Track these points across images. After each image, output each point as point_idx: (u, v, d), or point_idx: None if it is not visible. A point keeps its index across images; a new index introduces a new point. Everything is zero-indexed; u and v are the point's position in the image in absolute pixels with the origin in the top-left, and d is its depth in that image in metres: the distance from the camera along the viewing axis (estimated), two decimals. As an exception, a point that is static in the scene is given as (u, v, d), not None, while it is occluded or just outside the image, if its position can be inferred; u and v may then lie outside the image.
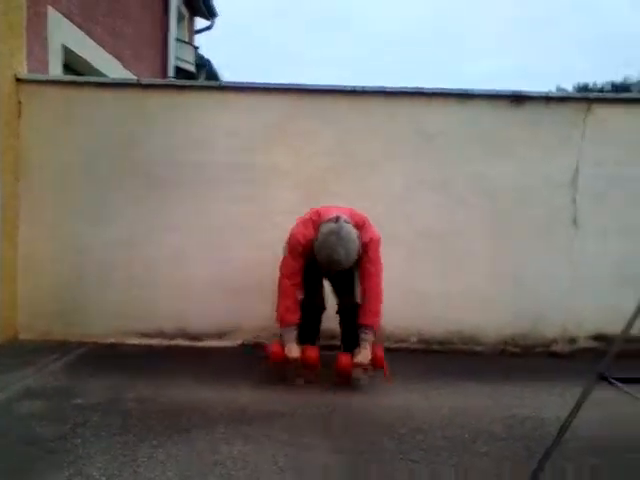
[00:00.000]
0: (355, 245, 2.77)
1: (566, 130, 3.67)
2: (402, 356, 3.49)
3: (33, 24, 3.86)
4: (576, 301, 3.66)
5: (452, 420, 2.53)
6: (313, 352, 2.94)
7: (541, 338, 3.69)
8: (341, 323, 3.17)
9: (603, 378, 1.82)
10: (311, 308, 3.08)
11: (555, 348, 3.68)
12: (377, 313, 2.92)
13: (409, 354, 3.58)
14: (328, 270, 2.91)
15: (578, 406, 1.87)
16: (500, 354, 3.66)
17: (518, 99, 3.64)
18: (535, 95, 3.67)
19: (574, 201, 3.69)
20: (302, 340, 3.04)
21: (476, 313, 3.67)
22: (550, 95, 3.73)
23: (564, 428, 1.89)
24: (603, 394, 1.85)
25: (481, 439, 2.33)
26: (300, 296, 2.97)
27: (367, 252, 2.87)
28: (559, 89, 18.30)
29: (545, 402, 2.78)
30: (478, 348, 3.67)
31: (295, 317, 2.93)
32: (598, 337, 3.67)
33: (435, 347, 3.67)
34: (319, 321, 3.19)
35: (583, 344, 3.69)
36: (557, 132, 3.67)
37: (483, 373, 3.24)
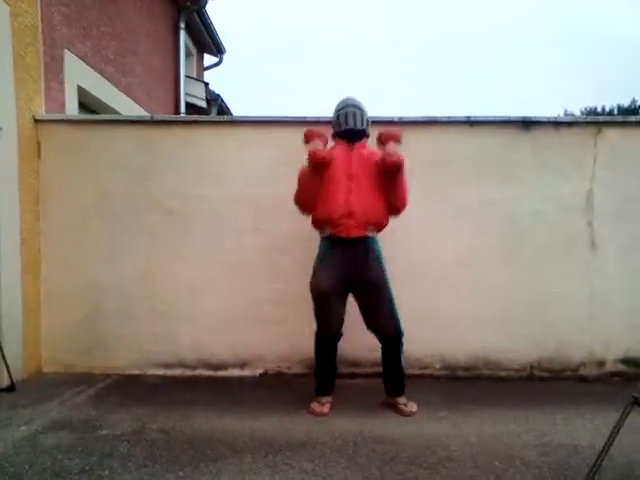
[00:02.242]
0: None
1: (577, 154, 3.69)
2: (427, 383, 3.45)
3: (50, 67, 3.98)
4: (600, 323, 3.61)
5: (482, 448, 2.47)
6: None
7: (568, 362, 3.62)
8: (383, 357, 3.03)
9: (639, 403, 1.79)
10: (326, 336, 2.98)
11: (583, 372, 3.61)
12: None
13: (434, 381, 3.53)
14: (346, 127, 2.98)
15: (616, 431, 1.83)
16: (527, 379, 3.59)
17: (527, 125, 3.67)
18: (544, 120, 3.70)
19: (590, 224, 3.67)
20: (318, 373, 3.01)
21: (500, 338, 3.62)
22: (559, 120, 3.77)
23: (602, 454, 1.84)
24: (634, 419, 1.81)
25: (513, 467, 2.28)
26: None
27: None
28: (567, 113, 18.37)
29: (577, 428, 2.71)
30: (503, 373, 3.61)
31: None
32: (627, 360, 3.61)
33: (460, 373, 3.62)
34: (335, 349, 3.02)
35: (611, 368, 3.61)
36: (568, 156, 3.68)
37: (511, 399, 3.18)
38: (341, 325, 2.98)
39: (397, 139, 2.93)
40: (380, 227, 2.98)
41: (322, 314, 2.95)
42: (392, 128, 3.01)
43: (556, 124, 3.72)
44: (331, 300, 2.91)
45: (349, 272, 2.88)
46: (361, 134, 3.02)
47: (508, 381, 3.55)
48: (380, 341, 2.98)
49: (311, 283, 2.95)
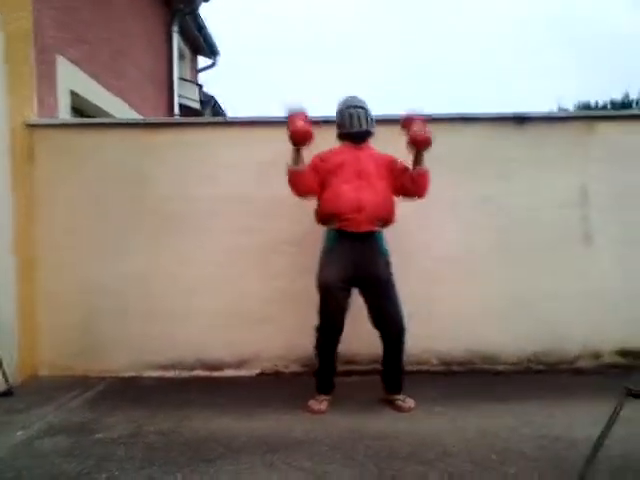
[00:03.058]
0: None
1: (571, 149, 3.70)
2: (423, 379, 3.44)
3: (42, 72, 3.97)
4: (596, 316, 3.61)
5: (479, 442, 2.48)
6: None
7: (564, 355, 3.63)
8: (384, 354, 3.03)
9: (632, 394, 1.79)
10: (329, 330, 2.97)
11: (579, 364, 3.62)
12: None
13: (430, 376, 3.53)
14: (351, 129, 2.98)
15: (610, 424, 1.83)
16: (523, 372, 3.59)
17: (521, 120, 3.68)
18: (538, 116, 3.72)
19: (584, 218, 3.68)
20: (319, 370, 3.02)
21: (495, 332, 3.62)
22: (552, 115, 3.80)
23: (597, 447, 1.85)
24: (632, 411, 1.81)
25: (510, 461, 2.28)
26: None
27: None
28: (561, 109, 18.36)
29: (574, 420, 2.71)
30: (500, 367, 3.62)
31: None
32: (623, 352, 3.61)
33: (456, 368, 3.63)
34: (336, 345, 3.01)
35: (608, 359, 3.62)
36: (562, 151, 3.70)
37: (508, 392, 3.18)
38: (344, 320, 2.97)
39: (430, 144, 2.93)
40: (388, 223, 3.00)
41: (327, 308, 2.93)
42: (422, 128, 2.96)
43: (549, 119, 3.74)
44: (338, 295, 2.91)
45: (356, 267, 2.89)
46: (367, 134, 3.03)
47: (505, 375, 3.55)
48: (383, 337, 2.98)
49: (318, 277, 2.95)
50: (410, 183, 2.98)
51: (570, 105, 20.60)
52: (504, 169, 3.68)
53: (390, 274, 2.94)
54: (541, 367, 3.62)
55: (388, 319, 2.93)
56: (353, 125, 2.99)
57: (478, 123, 3.70)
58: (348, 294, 2.96)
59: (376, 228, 2.92)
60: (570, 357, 3.64)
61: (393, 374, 3.01)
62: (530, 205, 3.67)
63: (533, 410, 2.87)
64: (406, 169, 3.00)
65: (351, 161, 2.94)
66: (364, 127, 2.99)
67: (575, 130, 3.71)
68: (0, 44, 3.38)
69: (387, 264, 2.95)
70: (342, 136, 3.06)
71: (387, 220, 2.99)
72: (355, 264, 2.88)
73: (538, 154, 3.69)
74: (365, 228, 2.88)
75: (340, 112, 3.05)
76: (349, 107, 3.02)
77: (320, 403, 2.94)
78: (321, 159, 3.00)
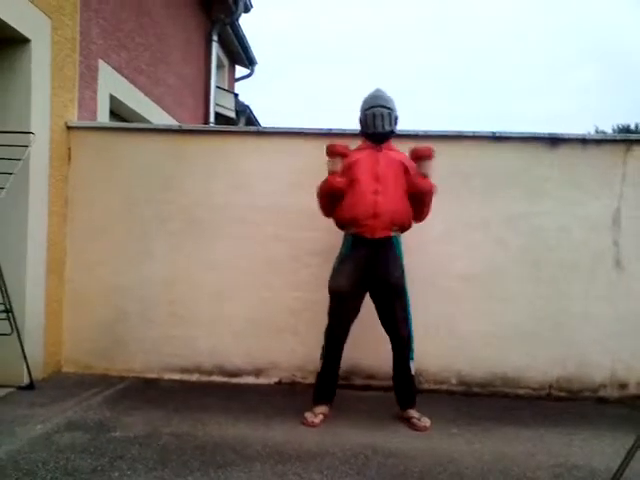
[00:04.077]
0: (394, 102, 3.01)
1: (605, 172, 3.62)
2: (442, 398, 3.41)
3: (85, 77, 4.09)
4: (624, 344, 3.52)
5: (495, 466, 2.43)
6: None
7: (588, 382, 3.53)
8: (393, 362, 3.03)
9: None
10: (335, 333, 2.97)
11: (603, 393, 3.52)
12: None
13: (449, 396, 3.48)
14: (374, 130, 2.96)
15: (630, 457, 1.78)
16: (545, 398, 3.51)
17: (554, 141, 3.63)
18: (572, 137, 3.65)
19: (616, 243, 3.59)
20: (321, 387, 3.01)
21: (518, 355, 3.56)
22: (587, 138, 3.71)
23: (616, 478, 1.80)
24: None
25: (525, 487, 2.24)
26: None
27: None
28: (598, 131, 18.05)
29: (594, 450, 2.64)
30: (521, 391, 3.54)
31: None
32: (650, 383, 3.50)
33: (476, 389, 3.56)
34: (340, 350, 3.00)
35: (634, 390, 3.51)
36: (596, 174, 3.62)
37: (527, 417, 3.12)
38: (349, 325, 2.99)
39: (429, 157, 2.91)
40: (404, 228, 3.00)
41: (336, 313, 2.96)
42: (423, 145, 2.97)
43: (584, 141, 3.67)
44: (348, 301, 2.93)
45: (370, 273, 2.90)
46: (389, 135, 3.01)
47: (525, 399, 3.48)
48: (391, 342, 2.98)
49: (330, 282, 2.97)
50: (411, 188, 2.95)
51: (608, 127, 20.24)
52: (535, 189, 3.62)
53: (403, 281, 2.93)
54: (563, 394, 3.53)
55: (397, 324, 2.93)
56: (376, 126, 2.96)
57: (510, 142, 3.66)
58: (359, 300, 2.98)
59: (392, 233, 2.92)
60: (594, 385, 3.54)
61: (404, 386, 2.98)
62: (560, 226, 3.60)
63: (552, 437, 2.81)
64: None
65: (370, 163, 2.93)
66: (387, 128, 2.96)
67: (611, 153, 3.64)
68: (48, 48, 3.50)
69: (401, 269, 2.94)
70: (364, 134, 3.06)
71: (404, 225, 2.98)
72: (369, 269, 2.90)
73: (571, 175, 3.63)
74: (380, 234, 2.89)
75: (364, 110, 3.02)
76: (373, 106, 2.97)
77: (315, 416, 2.91)
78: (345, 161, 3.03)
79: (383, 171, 2.91)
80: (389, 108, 2.97)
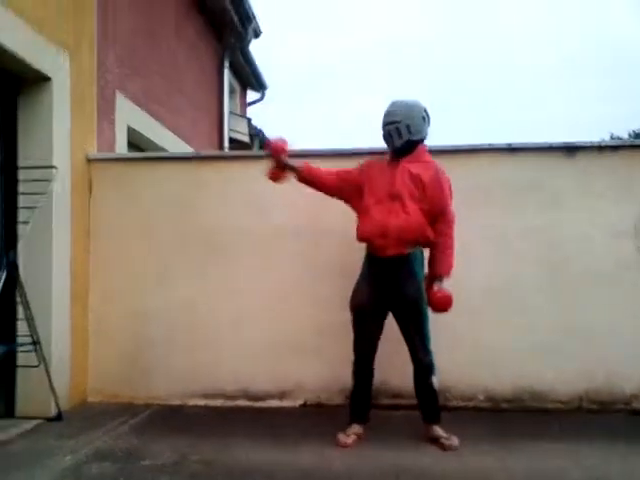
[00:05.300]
0: (419, 110, 2.97)
1: (625, 178, 3.59)
2: (469, 415, 3.35)
3: (102, 108, 4.17)
4: (654, 353, 3.44)
5: (529, 483, 2.38)
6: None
7: (619, 394, 3.45)
8: (414, 378, 2.99)
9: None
10: (359, 352, 2.99)
11: (636, 405, 3.43)
12: (450, 265, 2.93)
13: (476, 413, 3.42)
14: (389, 149, 2.98)
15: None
16: (575, 411, 3.43)
17: (571, 150, 3.60)
18: (588, 145, 3.63)
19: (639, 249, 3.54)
20: (354, 406, 3.01)
21: (545, 368, 3.49)
22: (603, 144, 3.69)
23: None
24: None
25: (562, 504, 2.18)
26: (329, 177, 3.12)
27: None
28: (613, 137, 17.86)
29: (632, 465, 2.57)
30: (550, 405, 3.47)
31: (316, 170, 3.14)
32: (684, 393, 3.41)
33: (504, 405, 3.50)
34: (372, 375, 3.02)
35: (667, 401, 3.43)
36: (615, 181, 3.59)
37: (559, 432, 3.05)
38: (376, 346, 2.98)
39: (447, 274, 2.92)
40: (421, 244, 2.95)
41: (358, 332, 2.98)
42: (442, 263, 2.94)
43: (600, 148, 3.64)
44: (368, 317, 2.94)
45: (385, 290, 2.89)
46: (406, 147, 2.95)
47: (555, 413, 3.41)
48: (411, 361, 2.95)
49: (350, 300, 3.00)
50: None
51: (624, 132, 20.05)
52: (553, 199, 3.60)
53: (418, 298, 2.88)
54: (594, 406, 3.46)
55: (413, 346, 2.91)
56: (388, 143, 2.99)
57: (526, 154, 3.65)
58: (381, 316, 2.97)
59: (406, 251, 2.88)
60: (625, 397, 3.45)
61: (426, 401, 2.93)
62: (581, 236, 3.56)
63: (586, 452, 2.74)
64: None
65: (386, 179, 2.92)
66: (397, 144, 2.94)
67: (629, 158, 3.61)
68: (67, 82, 3.58)
69: (417, 287, 2.89)
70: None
71: (417, 241, 2.92)
72: (384, 287, 2.89)
73: (589, 183, 3.60)
74: (392, 252, 2.87)
75: (381, 127, 3.01)
76: (384, 125, 2.98)
77: (348, 437, 2.89)
78: (361, 169, 3.08)
79: (399, 188, 2.89)
80: (397, 122, 2.92)
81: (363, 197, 2.99)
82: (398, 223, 2.84)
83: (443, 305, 2.88)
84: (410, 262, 2.91)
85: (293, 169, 3.12)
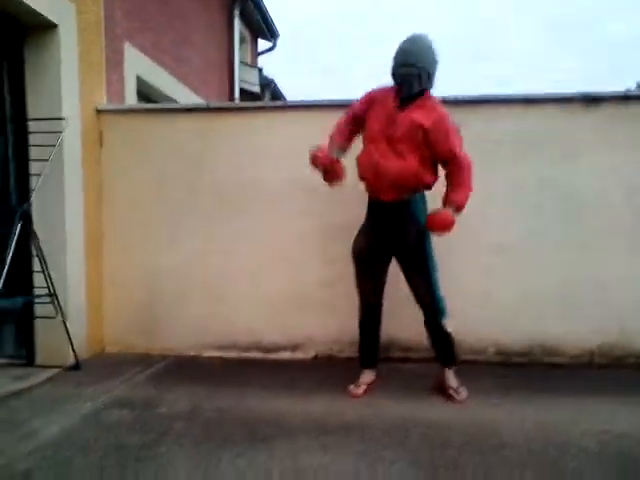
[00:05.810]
0: (437, 55, 2.75)
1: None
2: (480, 369, 3.38)
3: (111, 60, 4.11)
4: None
5: (537, 435, 2.40)
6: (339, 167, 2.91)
7: (632, 349, 3.45)
8: (425, 323, 2.95)
9: None
10: (363, 299, 3.00)
11: (649, 359, 3.44)
12: (460, 201, 2.77)
13: (487, 367, 3.45)
14: (398, 74, 2.73)
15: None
16: (586, 365, 3.45)
17: (590, 101, 3.47)
18: (610, 95, 3.48)
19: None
20: (362, 353, 3.06)
21: (558, 322, 3.49)
22: (628, 94, 3.54)
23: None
24: None
25: (570, 455, 2.21)
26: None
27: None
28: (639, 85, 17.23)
29: (640, 417, 2.59)
30: (561, 360, 3.49)
31: (341, 137, 2.94)
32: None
33: (515, 359, 3.53)
34: (378, 322, 3.04)
35: (681, 355, 3.42)
36: (635, 131, 3.47)
37: (569, 386, 3.07)
38: (380, 292, 2.98)
39: (455, 206, 2.77)
40: (417, 190, 2.83)
41: (359, 278, 2.98)
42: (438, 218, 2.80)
43: (625, 98, 3.49)
44: (367, 264, 2.93)
45: (386, 236, 2.86)
46: (416, 96, 2.74)
47: (566, 368, 3.43)
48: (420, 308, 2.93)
49: (352, 246, 2.99)
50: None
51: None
52: (572, 151, 3.50)
53: (421, 241, 2.81)
54: (606, 361, 3.47)
55: (417, 290, 2.89)
56: (402, 86, 2.75)
57: (543, 104, 3.53)
58: (382, 263, 2.96)
59: (404, 197, 2.79)
60: (638, 351, 3.46)
61: (439, 344, 2.93)
62: (599, 189, 3.48)
63: (596, 405, 2.76)
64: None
65: (387, 120, 2.76)
66: (414, 91, 2.72)
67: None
68: (73, 33, 3.51)
69: (419, 233, 2.81)
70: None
71: (417, 189, 2.82)
72: (385, 232, 2.86)
73: (608, 135, 3.48)
74: (390, 197, 2.80)
75: (391, 70, 2.76)
76: (401, 64, 2.70)
77: (359, 387, 2.95)
78: (366, 106, 2.88)
79: (397, 134, 2.72)
80: (418, 67, 2.66)
81: (366, 131, 2.88)
82: (392, 169, 2.72)
83: (440, 224, 2.76)
84: (410, 207, 2.81)
85: (338, 160, 2.92)
